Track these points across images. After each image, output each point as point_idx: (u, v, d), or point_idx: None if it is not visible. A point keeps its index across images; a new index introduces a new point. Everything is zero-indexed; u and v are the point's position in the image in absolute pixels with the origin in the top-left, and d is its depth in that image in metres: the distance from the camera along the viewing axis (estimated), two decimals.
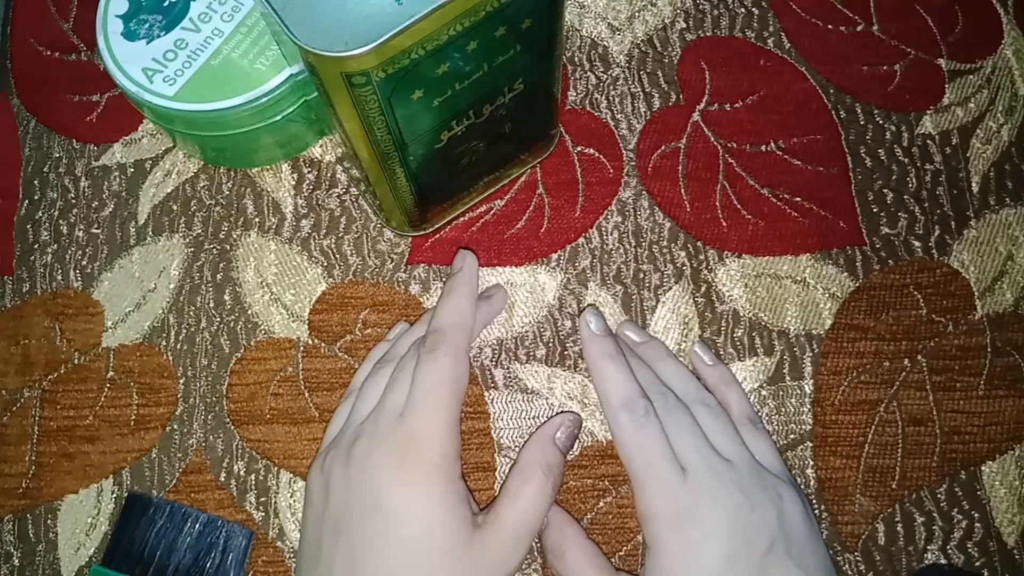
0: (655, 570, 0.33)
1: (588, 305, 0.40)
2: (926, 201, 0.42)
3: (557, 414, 0.38)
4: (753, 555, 0.32)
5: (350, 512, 0.32)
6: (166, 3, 0.39)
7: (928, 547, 0.38)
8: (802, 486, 0.38)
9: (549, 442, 0.36)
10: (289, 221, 0.43)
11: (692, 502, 0.33)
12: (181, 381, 0.41)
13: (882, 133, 0.43)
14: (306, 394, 0.40)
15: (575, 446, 0.39)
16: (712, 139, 0.43)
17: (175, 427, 0.40)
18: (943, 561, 0.38)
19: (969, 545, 0.38)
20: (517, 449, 0.39)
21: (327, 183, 0.43)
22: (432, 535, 0.32)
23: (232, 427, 0.40)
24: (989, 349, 0.40)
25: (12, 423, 0.41)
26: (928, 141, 0.43)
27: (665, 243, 0.41)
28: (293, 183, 0.43)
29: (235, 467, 0.39)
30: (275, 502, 0.39)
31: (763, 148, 0.43)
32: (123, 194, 0.44)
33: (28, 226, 0.44)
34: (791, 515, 0.33)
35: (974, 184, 0.42)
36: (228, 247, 0.42)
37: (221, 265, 0.42)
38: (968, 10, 0.45)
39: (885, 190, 0.42)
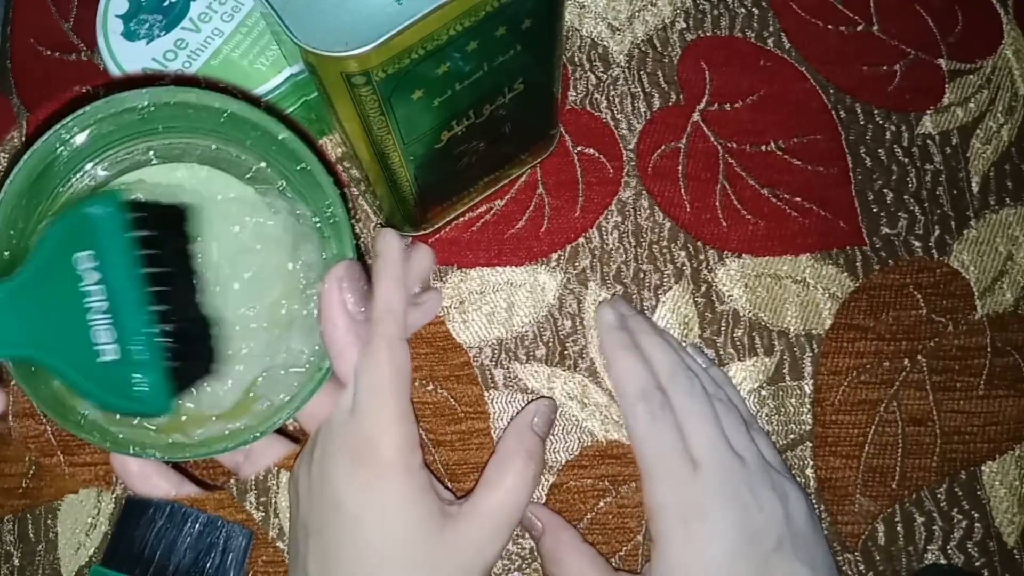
0: (660, 563, 0.33)
1: (604, 299, 0.40)
2: (926, 201, 0.42)
3: (533, 401, 0.38)
4: (759, 553, 0.32)
5: (314, 516, 0.32)
6: (166, 3, 0.39)
7: (928, 547, 0.38)
8: (802, 486, 0.38)
9: (527, 429, 0.36)
10: None
11: (701, 497, 0.33)
12: None
13: (882, 133, 0.43)
14: None
15: (576, 446, 0.39)
16: (712, 139, 0.43)
17: None
18: (943, 561, 0.38)
19: (969, 545, 0.38)
20: None
21: None
22: (393, 533, 0.31)
23: None
24: (989, 349, 0.40)
25: (14, 423, 0.41)
26: (928, 141, 0.43)
27: (665, 243, 0.41)
28: None
29: None
30: (275, 502, 0.39)
31: (763, 148, 0.43)
32: None
33: None
34: (797, 514, 0.34)
35: (974, 184, 0.42)
36: None
37: None
38: (968, 10, 0.45)
39: (885, 190, 0.42)
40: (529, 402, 0.39)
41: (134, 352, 0.29)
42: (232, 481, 0.39)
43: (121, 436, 0.31)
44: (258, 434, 0.32)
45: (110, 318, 0.28)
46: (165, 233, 0.30)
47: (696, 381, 0.36)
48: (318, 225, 0.33)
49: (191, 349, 0.30)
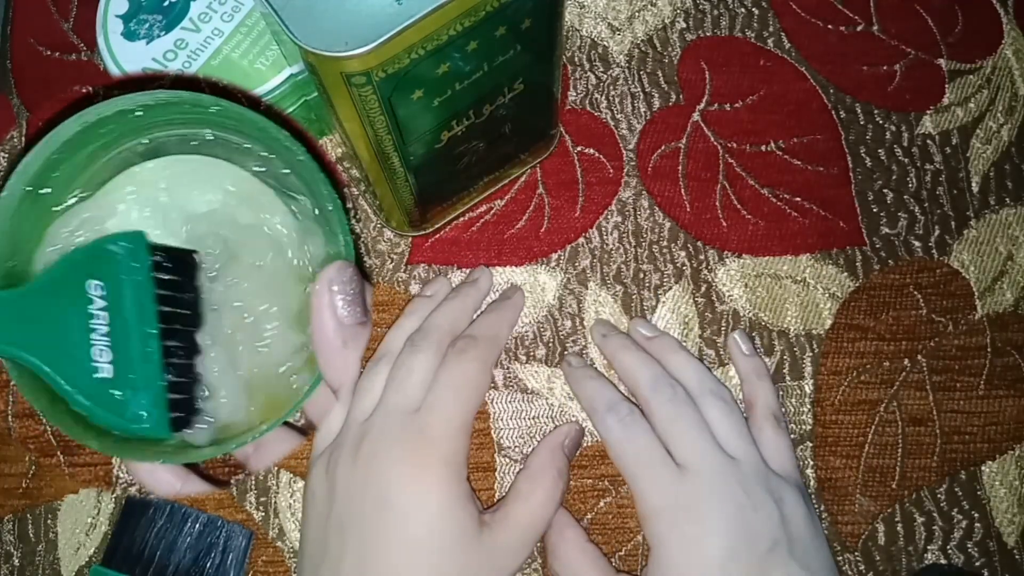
0: (657, 567, 0.33)
1: (567, 353, 0.40)
2: (926, 201, 0.42)
3: (564, 424, 0.39)
4: (755, 553, 0.32)
5: (357, 510, 0.32)
6: (166, 3, 0.39)
7: (928, 547, 0.38)
8: (805, 489, 0.38)
9: (559, 449, 0.37)
10: None
11: (691, 499, 0.33)
12: None
13: (882, 133, 0.43)
14: None
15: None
16: (712, 139, 0.43)
17: None
18: (943, 561, 0.38)
19: (969, 545, 0.38)
20: (517, 449, 0.39)
21: None
22: (441, 533, 0.32)
23: None
24: (989, 349, 0.40)
25: (14, 423, 0.41)
26: (928, 141, 0.43)
27: (665, 243, 0.41)
28: None
29: None
30: (275, 502, 0.39)
31: (763, 148, 0.43)
32: None
33: None
34: (794, 517, 0.34)
35: (974, 184, 0.42)
36: None
37: None
38: (968, 10, 0.45)
39: (885, 190, 0.42)
40: (529, 400, 0.39)
41: (131, 374, 0.30)
42: (239, 476, 0.39)
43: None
44: (265, 428, 0.32)
45: (110, 340, 0.30)
46: (181, 273, 0.32)
47: (679, 389, 0.36)
48: (321, 215, 0.34)
49: (184, 398, 0.32)
